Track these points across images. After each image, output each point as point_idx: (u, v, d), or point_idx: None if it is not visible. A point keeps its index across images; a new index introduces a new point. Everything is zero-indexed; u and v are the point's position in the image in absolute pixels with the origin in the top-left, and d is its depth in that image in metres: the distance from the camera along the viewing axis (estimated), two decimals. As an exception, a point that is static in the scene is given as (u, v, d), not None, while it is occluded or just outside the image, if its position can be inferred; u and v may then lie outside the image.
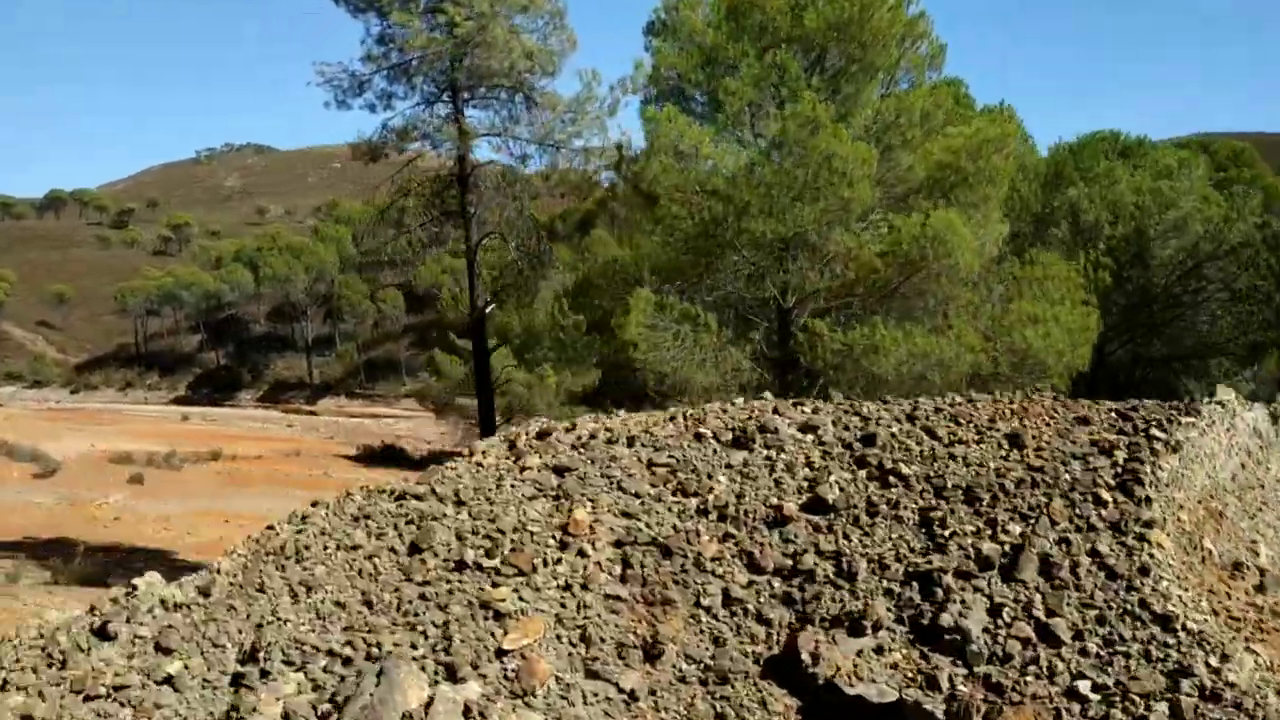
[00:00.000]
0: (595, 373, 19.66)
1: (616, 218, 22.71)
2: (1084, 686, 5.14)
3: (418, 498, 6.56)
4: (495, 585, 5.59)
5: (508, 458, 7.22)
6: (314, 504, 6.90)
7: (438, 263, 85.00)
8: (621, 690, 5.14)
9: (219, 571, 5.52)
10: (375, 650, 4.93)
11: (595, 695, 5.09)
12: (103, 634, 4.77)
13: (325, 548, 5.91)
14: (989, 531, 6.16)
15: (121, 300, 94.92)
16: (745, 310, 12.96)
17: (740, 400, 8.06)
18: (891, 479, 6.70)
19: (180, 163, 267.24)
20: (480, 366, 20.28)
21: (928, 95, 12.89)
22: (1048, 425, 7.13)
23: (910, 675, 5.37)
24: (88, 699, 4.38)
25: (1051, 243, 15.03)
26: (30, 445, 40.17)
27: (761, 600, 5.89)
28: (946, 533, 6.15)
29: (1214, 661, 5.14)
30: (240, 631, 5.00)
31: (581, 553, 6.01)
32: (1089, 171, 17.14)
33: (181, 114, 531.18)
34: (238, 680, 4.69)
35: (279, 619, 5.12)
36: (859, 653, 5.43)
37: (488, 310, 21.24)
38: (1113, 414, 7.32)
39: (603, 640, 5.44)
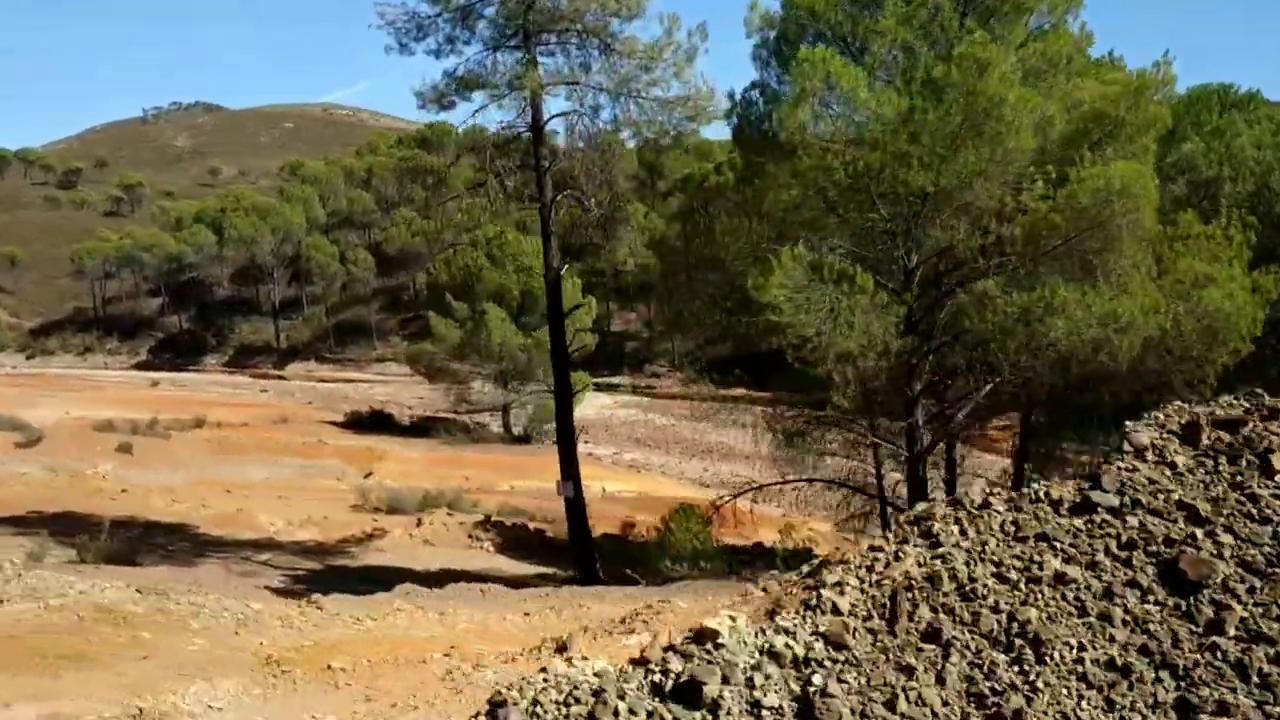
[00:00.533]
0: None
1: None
2: None
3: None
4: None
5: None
6: (953, 502, 5.21)
7: (407, 224, 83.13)
8: None
9: (843, 613, 4.29)
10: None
11: None
12: (688, 698, 3.62)
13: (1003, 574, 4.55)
14: None
15: (78, 262, 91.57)
16: (886, 271, 12.03)
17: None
18: None
19: (126, 121, 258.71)
20: (556, 330, 19.10)
21: (1069, 40, 12.00)
22: None
23: None
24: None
25: (1169, 200, 14.25)
26: (6, 413, 38.22)
27: None
28: None
29: None
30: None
31: None
32: (1203, 126, 16.43)
33: (126, 71, 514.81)
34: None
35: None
36: None
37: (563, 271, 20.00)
38: None
39: None
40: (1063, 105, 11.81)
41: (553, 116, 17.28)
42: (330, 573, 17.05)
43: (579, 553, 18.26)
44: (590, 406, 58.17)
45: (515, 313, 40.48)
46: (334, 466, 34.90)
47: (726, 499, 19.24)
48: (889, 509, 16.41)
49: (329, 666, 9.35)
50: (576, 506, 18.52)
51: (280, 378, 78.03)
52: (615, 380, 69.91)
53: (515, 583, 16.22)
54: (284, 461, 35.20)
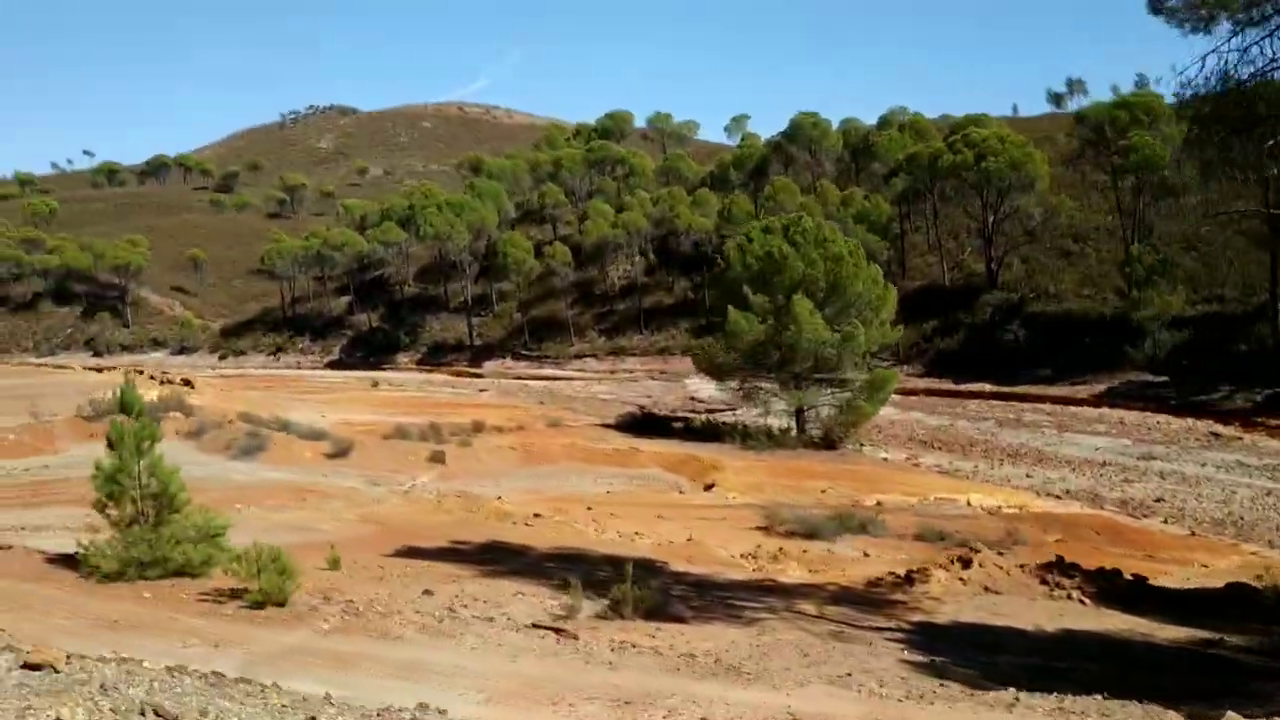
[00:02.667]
0: None
1: None
2: None
3: None
4: None
5: None
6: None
7: (604, 217, 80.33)
8: None
9: None
10: None
11: None
12: None
13: None
14: None
15: (269, 262, 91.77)
16: None
17: None
18: None
19: (266, 126, 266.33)
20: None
21: None
22: None
23: None
24: None
25: None
26: (303, 422, 36.26)
27: None
28: None
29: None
30: None
31: None
32: None
33: (256, 78, 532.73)
34: None
35: None
36: None
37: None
38: None
39: None
40: None
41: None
42: (943, 638, 13.32)
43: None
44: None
45: (819, 305, 36.65)
46: (660, 476, 31.58)
47: None
48: None
49: None
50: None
51: (476, 375, 76.18)
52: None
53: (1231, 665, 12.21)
54: (602, 471, 32.06)
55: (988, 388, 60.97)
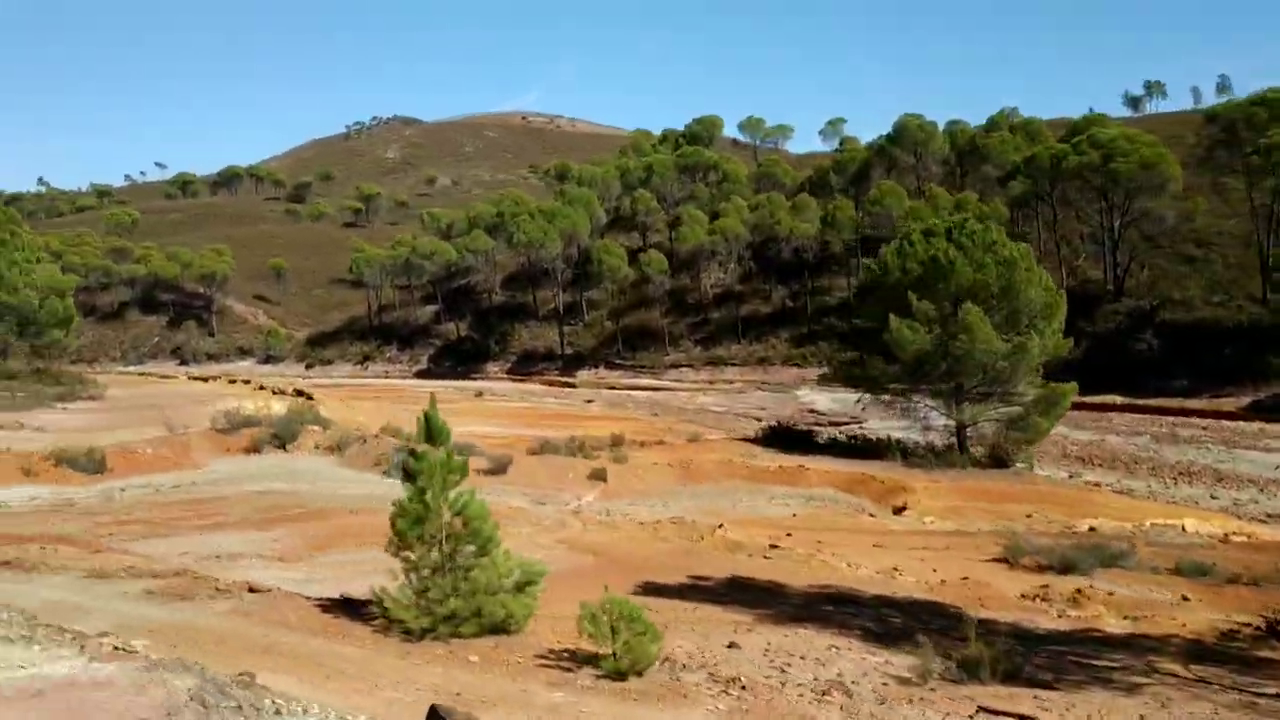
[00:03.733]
0: None
1: None
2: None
3: None
4: None
5: None
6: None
7: (699, 224, 78.25)
8: None
9: None
10: None
11: None
12: None
13: None
14: None
15: (357, 271, 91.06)
16: None
17: None
18: None
19: (330, 138, 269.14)
20: None
21: None
22: None
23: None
24: None
25: None
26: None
27: None
28: None
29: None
30: None
31: None
32: None
33: (327, 89, 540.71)
34: None
35: None
36: None
37: None
38: None
39: None
40: None
41: None
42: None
43: None
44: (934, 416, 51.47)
45: (987, 313, 34.14)
46: (838, 498, 29.29)
47: None
48: None
49: None
50: None
51: (569, 385, 74.50)
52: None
53: None
54: (773, 490, 29.87)
55: (1118, 400, 57.82)
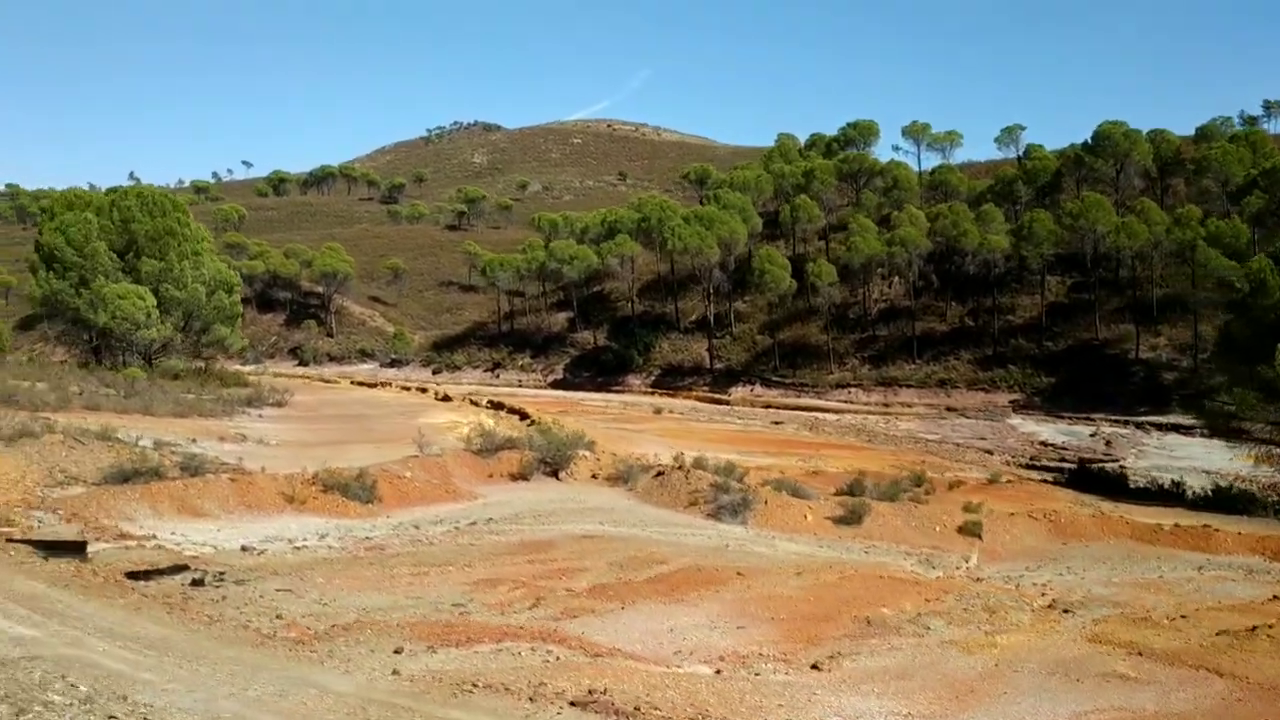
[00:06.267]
0: None
1: None
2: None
3: None
4: None
5: None
6: None
7: (869, 233, 72.79)
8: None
9: None
10: None
11: None
12: None
13: None
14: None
15: (490, 274, 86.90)
16: None
17: None
18: None
19: (411, 141, 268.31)
20: None
21: None
22: None
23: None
24: None
25: None
26: (705, 459, 29.56)
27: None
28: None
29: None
30: None
31: None
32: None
33: (400, 94, 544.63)
34: None
35: None
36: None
37: None
38: None
39: None
40: None
41: None
42: None
43: None
44: (1203, 453, 45.53)
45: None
46: None
47: None
48: None
49: None
50: None
51: (722, 402, 69.38)
52: (1165, 419, 56.34)
53: None
54: (1187, 558, 24.22)
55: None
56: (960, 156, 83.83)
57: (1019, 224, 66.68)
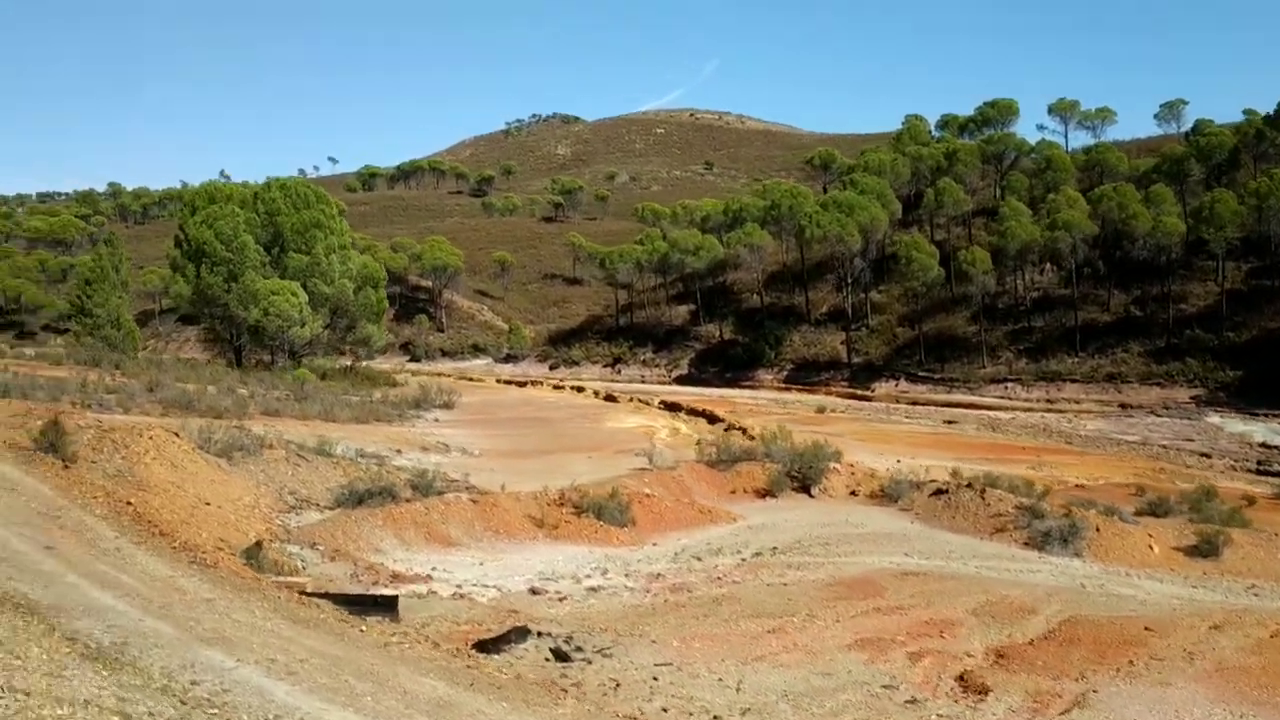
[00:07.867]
0: None
1: None
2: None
3: None
4: None
5: None
6: None
7: (1023, 217, 67.97)
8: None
9: None
10: None
11: None
12: None
13: None
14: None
15: (610, 267, 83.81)
16: None
17: None
18: None
19: (491, 134, 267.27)
20: None
21: None
22: None
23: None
24: None
25: None
26: (964, 473, 25.77)
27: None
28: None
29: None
30: None
31: None
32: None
33: (480, 86, 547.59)
34: None
35: None
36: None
37: None
38: None
39: None
40: None
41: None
42: None
43: None
44: None
45: None
46: None
47: None
48: None
49: None
50: None
51: (865, 398, 65.28)
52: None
53: None
54: None
55: None
56: (1111, 135, 78.66)
57: (1197, 205, 61.36)
